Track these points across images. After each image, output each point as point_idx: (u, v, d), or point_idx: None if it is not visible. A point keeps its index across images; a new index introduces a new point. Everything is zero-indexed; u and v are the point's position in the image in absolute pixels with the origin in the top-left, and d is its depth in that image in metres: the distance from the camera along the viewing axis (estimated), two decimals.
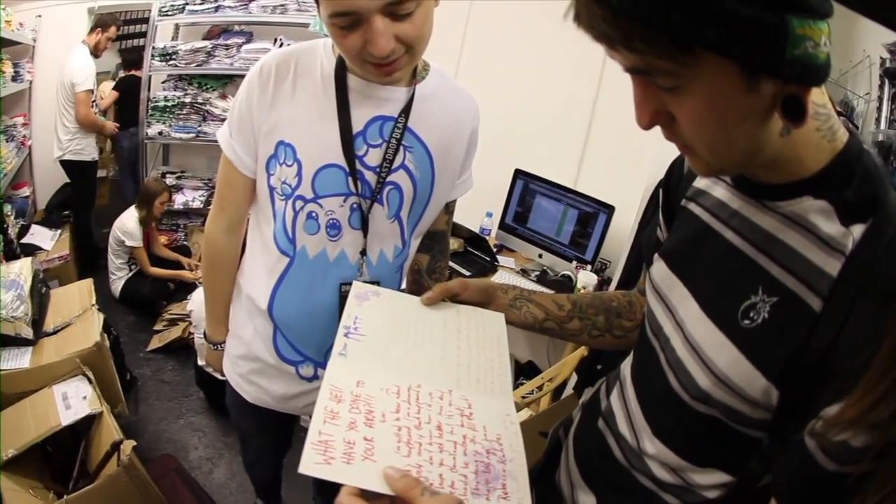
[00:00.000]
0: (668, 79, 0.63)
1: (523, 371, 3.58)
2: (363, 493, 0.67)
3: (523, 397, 2.57)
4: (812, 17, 0.57)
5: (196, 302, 3.19)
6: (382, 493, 0.67)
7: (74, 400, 2.27)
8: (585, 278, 3.08)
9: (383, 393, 0.84)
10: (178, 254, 4.56)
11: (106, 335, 2.68)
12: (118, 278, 4.09)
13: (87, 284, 3.03)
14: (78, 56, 4.18)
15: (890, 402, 0.53)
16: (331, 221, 1.26)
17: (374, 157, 1.24)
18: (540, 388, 2.61)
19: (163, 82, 4.81)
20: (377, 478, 0.68)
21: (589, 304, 1.19)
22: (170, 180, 4.78)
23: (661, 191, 1.08)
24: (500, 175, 3.43)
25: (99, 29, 4.29)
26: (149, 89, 4.70)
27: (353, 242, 1.29)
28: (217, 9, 4.47)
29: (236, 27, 4.78)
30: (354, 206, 1.26)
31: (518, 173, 3.42)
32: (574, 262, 3.23)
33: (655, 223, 1.10)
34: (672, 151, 0.78)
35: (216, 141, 1.35)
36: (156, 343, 3.76)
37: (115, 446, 2.11)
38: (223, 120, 1.47)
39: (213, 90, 4.73)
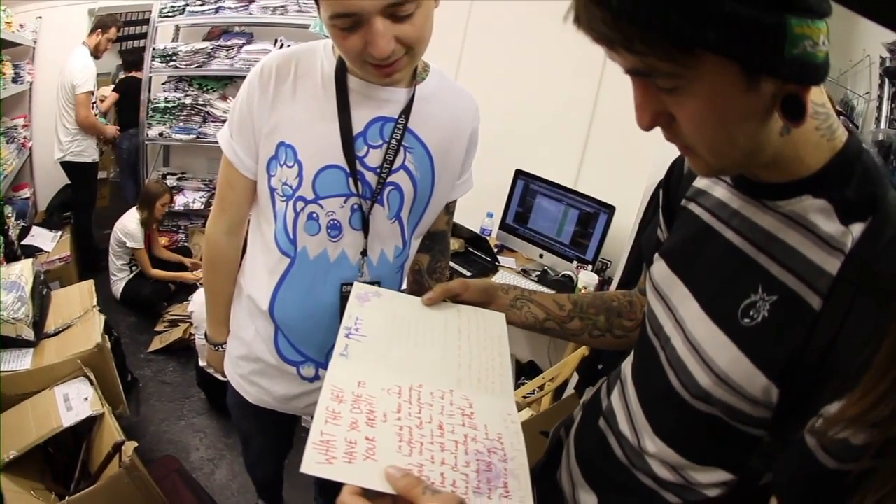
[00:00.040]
0: (669, 80, 0.63)
1: (524, 371, 3.58)
2: (365, 493, 0.67)
3: (524, 397, 2.58)
4: (810, 17, 0.58)
5: (197, 303, 3.19)
6: (384, 493, 0.67)
7: (76, 401, 2.27)
8: (586, 278, 3.08)
9: (385, 393, 0.85)
10: (178, 255, 4.56)
11: (107, 336, 2.68)
12: (119, 279, 4.10)
13: (88, 286, 3.03)
14: (78, 57, 4.19)
15: (890, 400, 0.53)
16: (331, 222, 1.26)
17: (374, 157, 1.24)
18: (541, 387, 2.61)
19: (163, 84, 4.81)
20: (379, 477, 0.68)
21: (590, 303, 1.19)
22: (170, 181, 4.78)
23: (661, 191, 1.08)
24: (501, 175, 3.43)
25: (99, 30, 4.29)
26: (149, 90, 4.71)
27: (353, 243, 1.29)
28: (217, 10, 4.47)
29: (237, 28, 4.79)
30: (355, 206, 1.26)
31: (519, 173, 3.42)
32: (575, 263, 3.23)
33: (656, 223, 1.10)
34: (672, 151, 0.78)
35: (217, 142, 1.35)
36: (157, 344, 3.76)
37: (117, 447, 2.11)
38: (224, 121, 1.48)
39: (214, 91, 4.73)
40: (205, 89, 4.73)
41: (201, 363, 3.16)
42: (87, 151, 4.37)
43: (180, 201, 4.79)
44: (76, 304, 2.85)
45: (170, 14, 4.53)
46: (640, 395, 0.96)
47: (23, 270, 2.68)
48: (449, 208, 1.46)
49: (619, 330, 1.19)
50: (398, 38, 1.04)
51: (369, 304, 1.07)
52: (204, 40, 4.72)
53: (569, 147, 3.50)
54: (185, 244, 4.91)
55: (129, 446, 2.11)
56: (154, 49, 4.58)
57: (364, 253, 1.30)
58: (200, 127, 4.71)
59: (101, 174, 5.11)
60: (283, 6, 4.38)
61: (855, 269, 0.66)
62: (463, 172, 1.41)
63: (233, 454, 2.94)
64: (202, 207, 4.84)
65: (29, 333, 2.46)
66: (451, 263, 3.18)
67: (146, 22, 4.75)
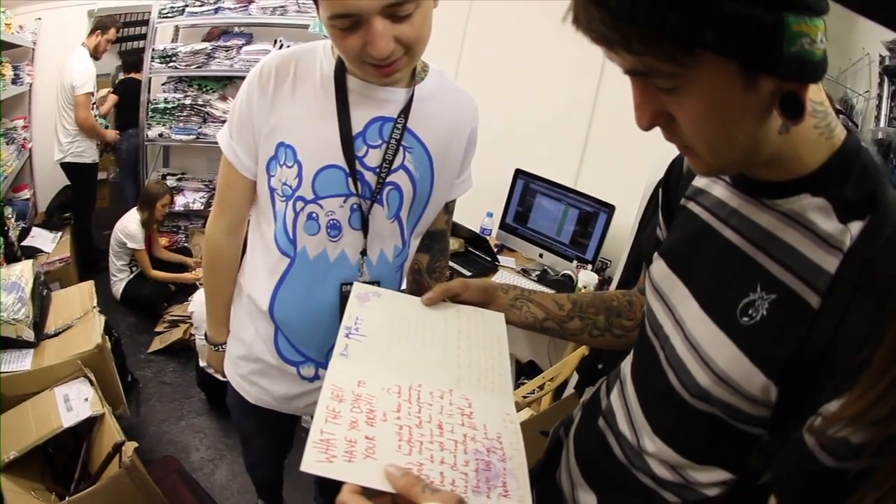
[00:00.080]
0: (667, 80, 0.63)
1: (524, 371, 3.58)
2: (365, 491, 0.67)
3: (524, 397, 2.57)
4: (808, 14, 0.58)
5: (197, 303, 3.20)
6: (384, 491, 0.68)
7: (76, 402, 2.27)
8: (586, 278, 3.08)
9: (384, 392, 0.85)
10: (179, 255, 4.57)
11: (107, 337, 2.68)
12: (119, 280, 4.10)
13: (88, 286, 3.03)
14: (78, 58, 4.19)
15: (890, 399, 0.53)
16: (331, 222, 1.26)
17: (373, 157, 1.24)
18: (541, 387, 2.61)
19: (163, 84, 4.81)
20: (379, 476, 0.68)
21: (589, 303, 1.19)
22: (170, 182, 4.78)
23: (660, 190, 1.08)
24: (501, 175, 3.44)
25: (98, 31, 4.29)
26: (149, 91, 4.71)
27: (353, 243, 1.30)
28: (217, 10, 4.48)
29: (236, 29, 4.79)
30: (354, 206, 1.26)
31: (518, 173, 3.42)
32: (575, 262, 3.23)
33: (655, 223, 1.10)
34: (672, 151, 0.78)
35: (216, 142, 1.35)
36: (157, 345, 3.76)
37: (117, 448, 2.11)
38: (223, 122, 1.48)
39: (213, 92, 4.73)
40: (204, 90, 4.73)
41: (201, 363, 3.16)
42: (87, 152, 4.38)
43: (180, 202, 4.79)
44: (76, 304, 2.85)
45: (169, 15, 4.54)
46: (639, 395, 0.97)
47: (23, 271, 2.68)
48: (448, 208, 1.46)
49: (618, 329, 1.19)
50: (397, 38, 1.04)
51: (369, 303, 1.07)
52: (203, 41, 4.72)
53: (568, 146, 3.50)
54: (185, 245, 4.91)
55: (130, 447, 2.11)
56: (153, 50, 4.58)
57: (363, 252, 1.30)
58: (200, 127, 4.71)
59: (101, 175, 5.11)
60: (282, 7, 4.38)
61: (853, 268, 0.66)
62: (462, 172, 1.41)
63: (233, 454, 2.94)
64: (202, 208, 4.85)
65: (29, 334, 2.46)
66: (451, 263, 3.20)
67: (146, 23, 4.75)
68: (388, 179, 1.26)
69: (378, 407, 0.81)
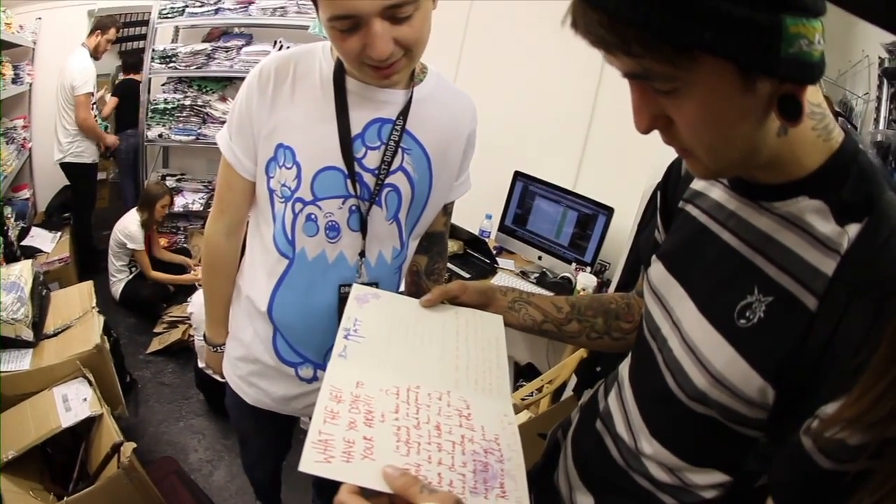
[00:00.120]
0: (666, 82, 0.63)
1: (523, 373, 3.58)
2: (362, 492, 0.67)
3: (523, 399, 2.57)
4: (806, 16, 0.58)
5: (196, 304, 3.20)
6: (382, 492, 0.68)
7: (75, 402, 2.27)
8: (585, 280, 3.08)
9: (382, 393, 0.85)
10: (179, 255, 4.57)
11: (106, 337, 2.68)
12: (118, 280, 4.09)
13: (88, 287, 3.03)
14: (78, 58, 4.19)
15: (888, 401, 0.53)
16: (330, 223, 1.27)
17: (372, 159, 1.25)
18: (539, 390, 2.61)
19: (162, 85, 4.81)
20: (376, 476, 0.69)
21: (587, 306, 1.19)
22: (170, 183, 4.77)
23: (658, 193, 1.09)
24: (500, 177, 3.43)
25: (98, 31, 4.30)
26: (149, 92, 4.71)
27: (351, 244, 1.30)
28: (217, 11, 4.47)
29: (236, 29, 4.79)
30: (353, 208, 1.26)
31: (517, 175, 3.42)
32: (573, 264, 3.23)
33: (654, 225, 1.10)
34: (671, 153, 0.79)
35: (216, 143, 1.36)
36: (156, 345, 3.76)
37: (116, 448, 2.11)
38: (223, 122, 1.48)
39: (213, 93, 4.73)
40: (204, 90, 4.73)
41: (200, 364, 3.16)
42: (87, 152, 4.38)
43: (179, 202, 4.78)
44: (75, 304, 2.85)
45: (169, 15, 4.53)
46: (636, 397, 0.97)
47: (22, 271, 2.68)
48: (447, 209, 1.46)
49: (616, 332, 1.19)
50: (397, 39, 1.04)
51: (368, 305, 1.07)
52: (203, 41, 4.71)
53: (568, 149, 3.50)
54: (184, 245, 4.91)
55: (128, 447, 2.11)
56: (153, 50, 4.58)
57: (362, 254, 1.31)
58: (200, 128, 4.70)
59: (101, 175, 5.12)
60: (282, 7, 4.38)
61: (851, 270, 0.66)
62: (461, 174, 1.41)
63: (231, 455, 2.93)
64: (201, 209, 4.84)
65: (28, 334, 2.46)
66: (450, 265, 3.20)
67: (146, 23, 4.75)
68: (387, 181, 1.26)
69: (376, 408, 0.81)
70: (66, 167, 4.36)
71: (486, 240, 3.50)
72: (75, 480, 2.18)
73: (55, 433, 2.13)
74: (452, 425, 0.83)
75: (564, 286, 3.15)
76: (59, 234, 4.47)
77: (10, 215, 4.03)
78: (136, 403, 3.24)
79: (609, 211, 3.08)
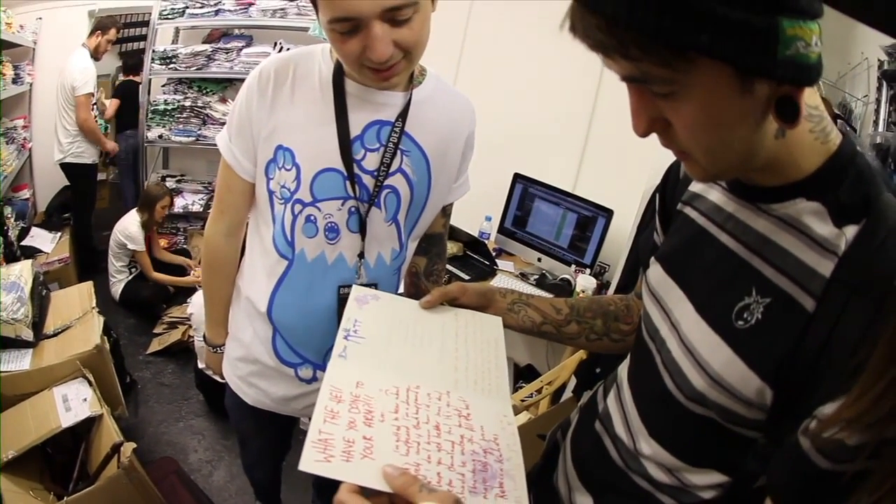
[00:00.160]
0: (664, 85, 0.63)
1: (523, 374, 3.58)
2: (362, 491, 0.67)
3: (522, 400, 2.58)
4: (802, 18, 0.58)
5: (196, 305, 3.20)
6: (381, 491, 0.68)
7: (75, 402, 2.27)
8: (584, 282, 3.08)
9: (382, 394, 0.85)
10: (180, 256, 4.57)
11: (106, 338, 2.68)
12: (118, 281, 4.09)
13: (88, 287, 3.03)
14: (78, 59, 4.19)
15: (887, 401, 0.53)
16: (329, 225, 1.27)
17: (371, 161, 1.25)
18: (539, 391, 2.61)
19: (163, 86, 4.82)
20: (376, 475, 0.69)
21: (586, 307, 1.20)
22: (169, 184, 4.78)
23: (657, 195, 1.09)
24: (500, 179, 3.44)
25: (99, 32, 4.30)
26: (149, 93, 4.71)
27: (351, 245, 1.30)
28: (217, 12, 4.47)
29: (236, 31, 4.79)
30: (352, 209, 1.27)
31: (517, 177, 3.42)
32: (573, 266, 3.23)
33: (653, 227, 1.10)
34: (670, 155, 0.79)
35: (216, 144, 1.36)
36: (156, 346, 3.76)
37: (116, 448, 2.11)
38: (223, 124, 1.48)
39: (213, 94, 4.73)
40: (204, 92, 4.73)
41: (200, 365, 3.16)
42: (87, 153, 4.38)
43: (179, 203, 4.78)
44: (75, 305, 2.86)
45: (170, 16, 4.53)
46: (635, 398, 0.97)
47: (22, 271, 2.68)
48: (446, 211, 1.47)
49: (615, 334, 1.19)
50: (396, 42, 1.04)
51: (368, 306, 1.08)
52: (203, 43, 4.71)
53: (567, 151, 3.51)
54: (184, 246, 4.91)
55: (128, 447, 2.11)
56: (154, 51, 4.58)
57: (361, 255, 1.31)
58: (200, 129, 4.70)
59: (101, 176, 5.13)
60: (282, 9, 4.38)
61: (848, 271, 0.67)
62: (459, 175, 1.42)
63: (231, 456, 2.94)
64: (201, 210, 4.84)
65: (28, 334, 2.46)
66: (450, 267, 3.21)
67: (146, 24, 4.75)
68: (386, 183, 1.27)
69: (376, 408, 0.82)
70: (67, 167, 4.37)
71: (486, 241, 3.50)
72: (75, 480, 2.18)
73: (55, 433, 2.13)
74: (452, 425, 0.83)
75: (564, 288, 3.16)
76: (59, 234, 4.47)
77: (10, 215, 4.03)
78: (136, 404, 3.24)
79: (609, 213, 3.08)
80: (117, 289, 4.09)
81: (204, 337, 1.62)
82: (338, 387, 0.84)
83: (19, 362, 2.39)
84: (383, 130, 1.24)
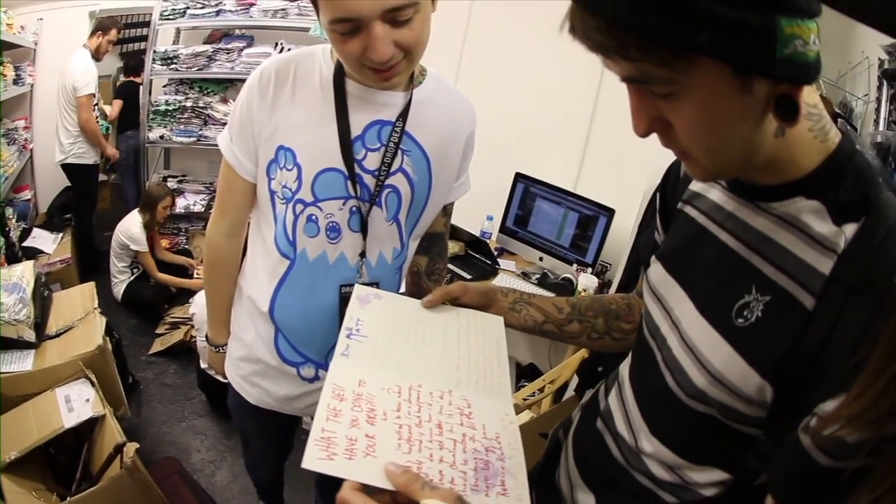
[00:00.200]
0: (664, 86, 0.64)
1: (525, 373, 3.58)
2: (365, 488, 0.68)
3: (525, 399, 2.58)
4: (801, 17, 0.58)
5: (198, 305, 3.20)
6: (384, 489, 0.68)
7: (77, 402, 2.27)
8: (586, 281, 3.08)
9: (384, 392, 0.86)
10: (182, 256, 4.58)
11: (108, 338, 2.68)
12: (120, 282, 4.10)
13: (90, 288, 3.04)
14: (79, 59, 4.19)
15: (887, 398, 0.53)
16: (330, 224, 1.27)
17: (372, 160, 1.25)
18: (541, 390, 2.62)
19: (164, 86, 4.82)
20: (378, 473, 0.69)
21: (588, 306, 1.20)
22: (171, 184, 4.78)
23: (657, 194, 1.09)
24: (501, 178, 3.44)
25: (100, 32, 4.30)
26: (150, 93, 4.71)
27: (352, 245, 1.30)
28: (218, 13, 4.48)
29: (237, 31, 4.79)
30: (353, 209, 1.27)
31: (518, 177, 3.43)
32: (575, 265, 3.24)
33: (654, 226, 1.11)
34: (671, 155, 0.79)
35: (217, 145, 1.36)
36: (158, 346, 3.76)
37: (118, 449, 2.11)
38: (224, 124, 1.49)
39: (214, 94, 4.74)
40: (205, 92, 4.74)
41: (202, 365, 3.16)
42: (88, 154, 4.38)
43: (181, 204, 4.79)
44: (77, 305, 2.86)
45: (170, 17, 4.53)
46: (636, 396, 0.97)
47: (24, 272, 2.69)
48: (447, 210, 1.47)
49: (617, 332, 1.19)
50: (397, 42, 1.05)
51: (370, 305, 1.08)
52: (204, 43, 4.72)
53: (569, 150, 3.51)
54: (186, 247, 4.91)
55: (131, 447, 2.11)
56: (155, 52, 4.58)
57: (363, 255, 1.31)
58: (201, 130, 4.71)
59: (102, 176, 5.13)
60: (283, 9, 4.38)
61: (848, 269, 0.67)
62: (460, 175, 1.42)
63: (234, 456, 2.94)
64: (202, 210, 4.85)
65: (30, 335, 2.47)
66: (451, 266, 3.21)
67: (147, 24, 4.76)
68: (387, 182, 1.27)
69: (378, 406, 0.82)
70: (68, 168, 4.37)
71: (487, 241, 3.49)
72: (78, 481, 2.18)
73: (58, 434, 2.13)
74: (454, 424, 0.83)
75: (566, 287, 3.16)
76: (61, 235, 4.48)
77: (11, 216, 4.04)
78: (139, 404, 3.24)
79: (610, 212, 3.08)
80: (119, 289, 4.10)
81: (206, 337, 1.62)
82: (340, 385, 0.84)
83: (22, 363, 2.39)
84: (384, 130, 1.25)
